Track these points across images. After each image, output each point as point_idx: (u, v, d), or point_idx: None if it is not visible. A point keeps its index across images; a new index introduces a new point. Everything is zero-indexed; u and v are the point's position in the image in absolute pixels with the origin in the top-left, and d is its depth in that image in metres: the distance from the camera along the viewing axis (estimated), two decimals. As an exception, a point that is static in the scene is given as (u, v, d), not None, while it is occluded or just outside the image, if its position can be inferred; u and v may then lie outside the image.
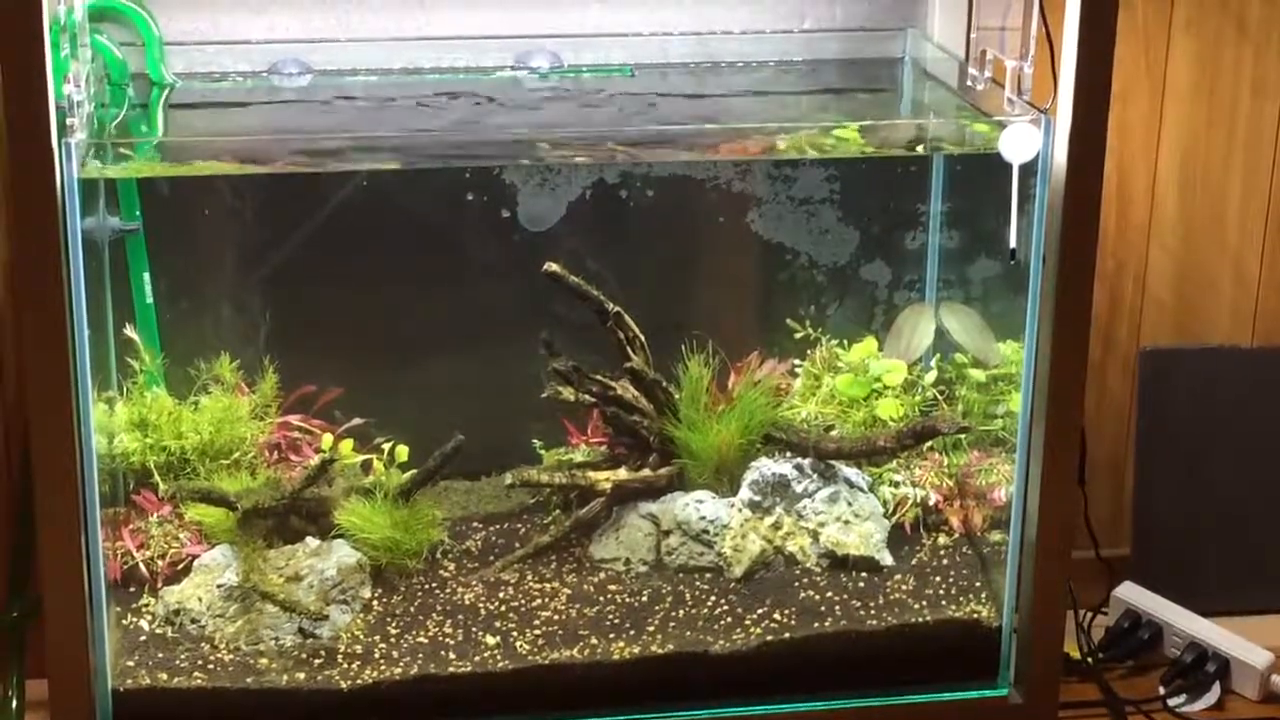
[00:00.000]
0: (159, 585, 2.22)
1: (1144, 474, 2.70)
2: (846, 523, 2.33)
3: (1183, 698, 2.53)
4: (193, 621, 2.18)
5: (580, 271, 2.31)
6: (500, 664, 2.17)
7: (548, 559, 2.32)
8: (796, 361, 2.48)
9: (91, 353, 1.99)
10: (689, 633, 2.22)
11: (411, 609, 2.24)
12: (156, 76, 2.29)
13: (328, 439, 2.35)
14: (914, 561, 2.34)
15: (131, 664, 2.14)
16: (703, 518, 2.31)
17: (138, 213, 2.29)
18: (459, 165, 2.33)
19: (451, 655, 2.18)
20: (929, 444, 2.40)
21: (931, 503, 2.38)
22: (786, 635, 2.22)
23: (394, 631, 2.20)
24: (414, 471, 2.31)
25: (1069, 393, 2.14)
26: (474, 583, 2.28)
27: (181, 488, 2.22)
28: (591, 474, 2.34)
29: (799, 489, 2.34)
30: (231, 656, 2.15)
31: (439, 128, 2.25)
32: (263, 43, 2.34)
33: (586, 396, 2.34)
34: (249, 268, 2.40)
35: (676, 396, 2.35)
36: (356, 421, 2.36)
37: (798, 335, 2.48)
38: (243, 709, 2.12)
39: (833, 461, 2.37)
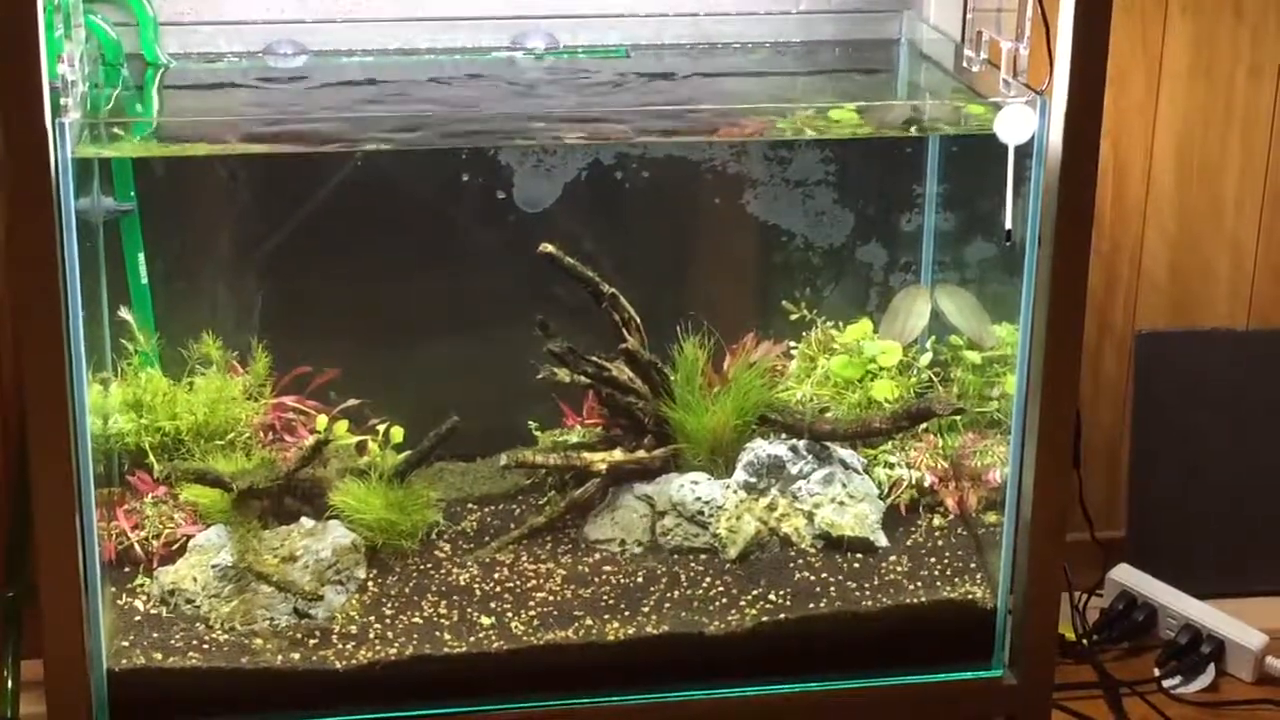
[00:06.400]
0: (154, 566, 2.22)
1: (1139, 456, 2.70)
2: (841, 504, 2.33)
3: (1177, 679, 2.53)
4: (187, 602, 2.18)
5: (576, 253, 2.31)
6: (495, 645, 2.17)
7: (543, 540, 2.33)
8: (792, 343, 2.48)
9: (86, 334, 1.98)
10: (684, 614, 2.22)
11: (406, 590, 2.24)
12: (151, 57, 2.29)
13: (322, 420, 2.35)
14: (909, 543, 2.34)
15: (126, 644, 2.14)
16: (698, 499, 2.31)
17: (132, 193, 2.29)
18: (455, 146, 2.32)
19: (446, 636, 2.18)
20: (924, 425, 2.40)
21: (926, 484, 2.38)
22: (781, 616, 2.22)
23: (389, 612, 2.20)
24: (409, 452, 2.31)
25: (1064, 375, 2.14)
26: (469, 564, 2.28)
27: (176, 468, 2.22)
28: (587, 455, 2.34)
29: (794, 470, 2.34)
30: (226, 637, 2.15)
31: (434, 108, 2.25)
32: (258, 23, 2.34)
33: (582, 378, 2.34)
34: (243, 249, 2.40)
35: (672, 378, 2.35)
36: (351, 403, 2.36)
37: (793, 317, 2.48)
38: (237, 689, 2.12)
39: (828, 443, 2.37)
